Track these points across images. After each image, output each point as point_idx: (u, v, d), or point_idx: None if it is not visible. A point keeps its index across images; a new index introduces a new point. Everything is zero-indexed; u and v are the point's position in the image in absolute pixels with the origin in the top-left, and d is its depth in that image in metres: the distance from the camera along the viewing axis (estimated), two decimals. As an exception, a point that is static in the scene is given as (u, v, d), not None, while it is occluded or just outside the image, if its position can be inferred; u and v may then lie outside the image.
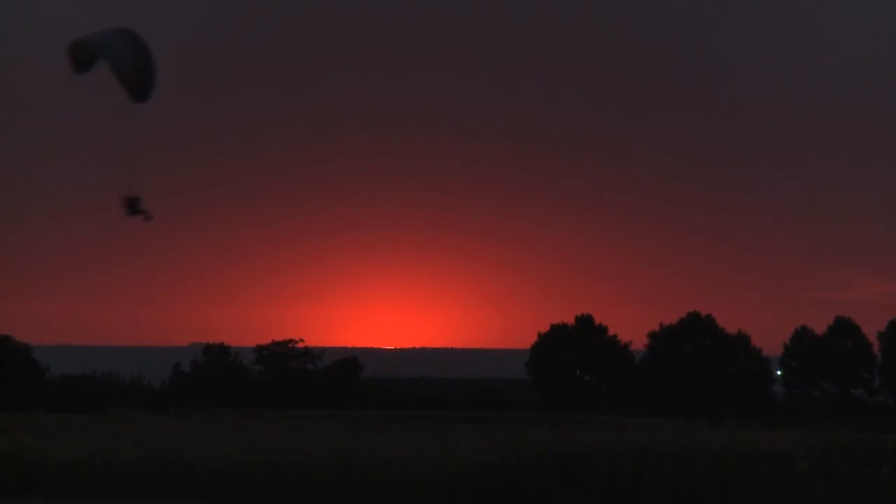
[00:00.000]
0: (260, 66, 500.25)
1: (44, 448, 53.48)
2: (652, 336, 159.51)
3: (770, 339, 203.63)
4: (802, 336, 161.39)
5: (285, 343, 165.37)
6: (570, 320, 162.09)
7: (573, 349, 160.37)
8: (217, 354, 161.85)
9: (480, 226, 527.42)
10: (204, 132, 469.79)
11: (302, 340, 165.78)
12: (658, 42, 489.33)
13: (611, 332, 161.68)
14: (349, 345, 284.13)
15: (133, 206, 42.68)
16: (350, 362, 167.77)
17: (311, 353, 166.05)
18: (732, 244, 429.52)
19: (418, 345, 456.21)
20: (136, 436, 66.30)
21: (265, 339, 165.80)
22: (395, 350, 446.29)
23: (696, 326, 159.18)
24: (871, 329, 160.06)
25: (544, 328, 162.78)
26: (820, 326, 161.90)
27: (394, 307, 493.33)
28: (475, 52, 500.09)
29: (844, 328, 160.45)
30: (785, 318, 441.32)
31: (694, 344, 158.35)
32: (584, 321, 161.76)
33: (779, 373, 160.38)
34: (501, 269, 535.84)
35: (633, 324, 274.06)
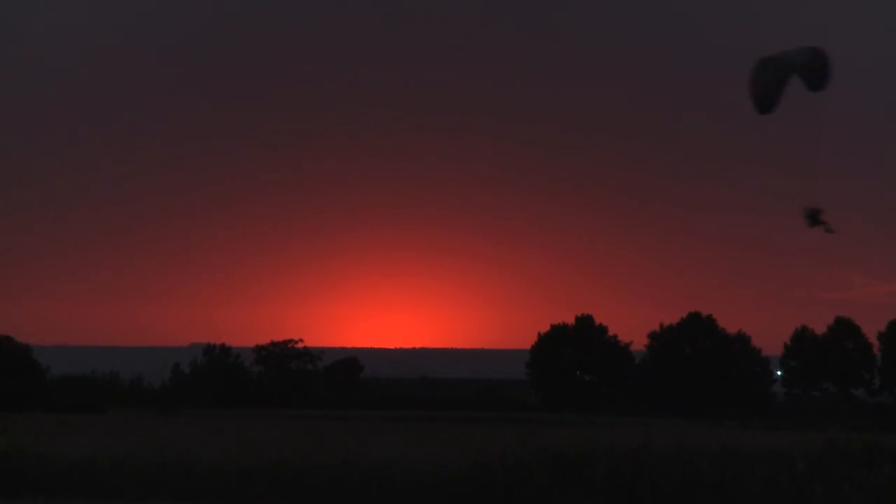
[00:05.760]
0: (259, 67, 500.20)
1: (44, 448, 53.43)
2: (652, 336, 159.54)
3: (770, 339, 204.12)
4: (802, 336, 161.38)
5: (285, 343, 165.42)
6: (570, 320, 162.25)
7: (573, 349, 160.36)
8: (218, 355, 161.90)
9: (481, 226, 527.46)
10: (205, 133, 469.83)
11: (302, 340, 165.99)
12: (657, 42, 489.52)
13: (611, 332, 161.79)
14: (349, 345, 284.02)
15: (814, 217, 42.51)
16: (350, 362, 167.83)
17: (311, 353, 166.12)
18: (732, 244, 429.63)
19: (418, 345, 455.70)
20: (136, 436, 66.30)
21: (265, 340, 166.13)
22: (395, 350, 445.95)
23: (697, 326, 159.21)
24: (871, 329, 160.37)
25: (544, 328, 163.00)
26: (820, 326, 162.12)
27: (394, 307, 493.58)
28: (477, 52, 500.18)
29: (844, 328, 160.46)
30: (785, 319, 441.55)
31: (694, 344, 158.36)
32: (584, 321, 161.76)
33: (779, 373, 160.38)
34: (501, 269, 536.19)
35: (633, 324, 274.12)
